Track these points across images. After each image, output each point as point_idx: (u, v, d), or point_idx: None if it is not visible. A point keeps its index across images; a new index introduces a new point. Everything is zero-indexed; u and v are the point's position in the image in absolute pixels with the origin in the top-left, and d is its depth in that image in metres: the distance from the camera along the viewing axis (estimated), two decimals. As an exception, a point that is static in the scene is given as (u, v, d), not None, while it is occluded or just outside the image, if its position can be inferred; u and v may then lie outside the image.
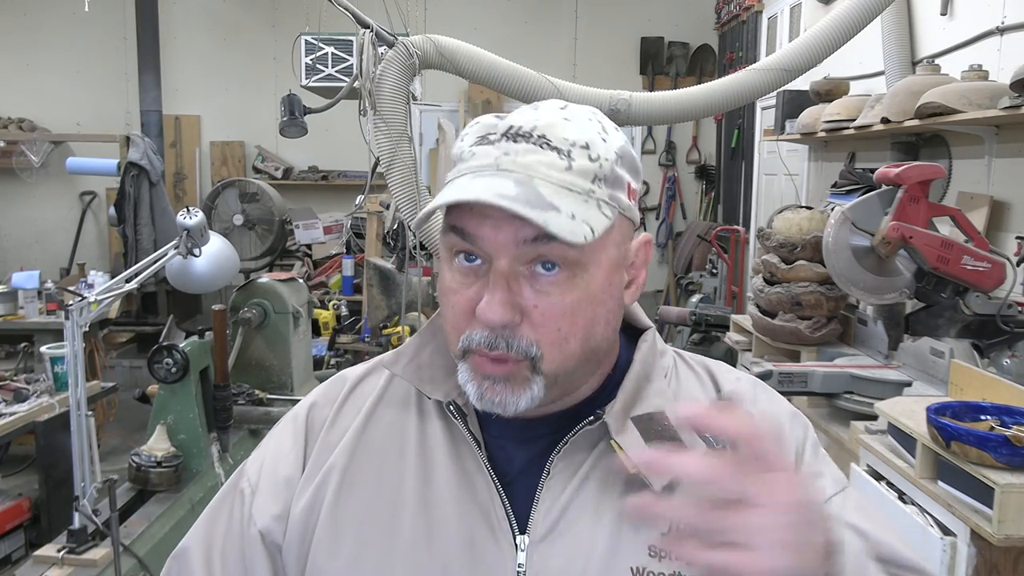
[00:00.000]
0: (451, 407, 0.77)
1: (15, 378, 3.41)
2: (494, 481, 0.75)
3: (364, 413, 0.82)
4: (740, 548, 0.55)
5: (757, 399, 0.82)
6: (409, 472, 0.77)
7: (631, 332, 0.83)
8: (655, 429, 0.74)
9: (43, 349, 3.53)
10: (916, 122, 2.82)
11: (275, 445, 0.84)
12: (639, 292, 0.78)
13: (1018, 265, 2.50)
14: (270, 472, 0.82)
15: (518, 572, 0.72)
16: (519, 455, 0.77)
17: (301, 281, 3.84)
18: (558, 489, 0.74)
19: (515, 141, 0.69)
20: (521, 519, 0.74)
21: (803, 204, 3.69)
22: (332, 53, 3.32)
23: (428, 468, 0.77)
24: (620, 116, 3.09)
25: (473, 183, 0.68)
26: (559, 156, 0.68)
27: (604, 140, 0.71)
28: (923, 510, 1.87)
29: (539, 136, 0.69)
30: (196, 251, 2.78)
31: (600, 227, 0.68)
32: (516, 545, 0.73)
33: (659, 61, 7.13)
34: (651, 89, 6.87)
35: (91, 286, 4.60)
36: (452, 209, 0.70)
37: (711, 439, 0.75)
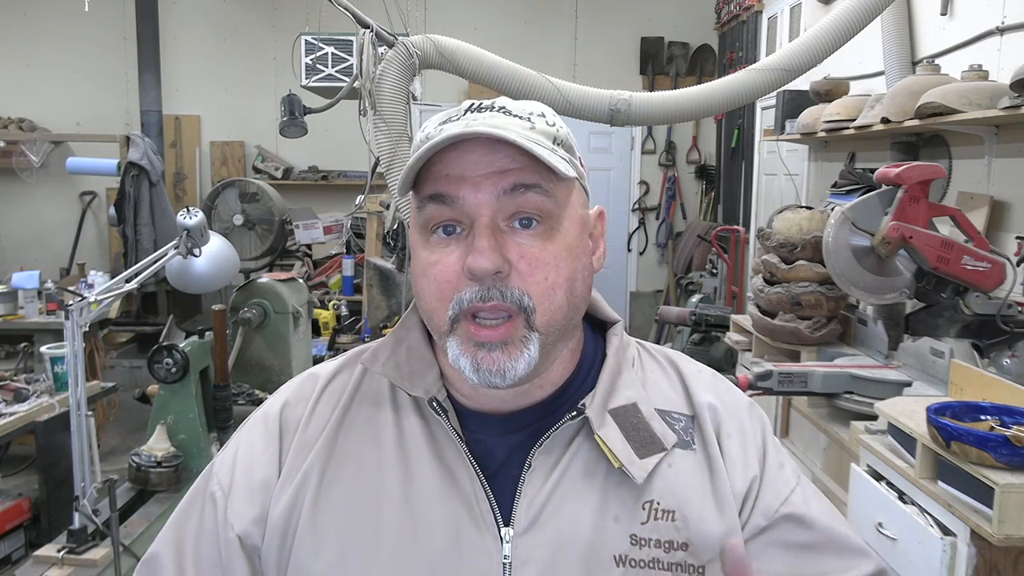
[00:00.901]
0: (433, 404, 0.77)
1: (15, 378, 3.41)
2: (478, 474, 0.75)
3: (339, 411, 0.81)
4: None
5: (719, 390, 0.84)
6: (389, 469, 0.77)
7: (595, 323, 0.86)
8: (631, 422, 0.77)
9: (43, 349, 3.53)
10: (916, 122, 2.82)
11: (246, 447, 0.83)
12: (603, 260, 0.81)
13: (1018, 265, 2.50)
14: (244, 475, 0.81)
15: (504, 564, 0.73)
16: (499, 449, 0.77)
17: (301, 281, 3.84)
18: (539, 481, 0.75)
19: (479, 112, 0.74)
20: (505, 512, 0.75)
21: (803, 204, 3.69)
22: (332, 53, 3.33)
23: (408, 464, 0.77)
24: (620, 116, 3.09)
25: (452, 135, 0.71)
26: (521, 120, 0.74)
27: (555, 116, 0.77)
28: (923, 510, 1.87)
29: (500, 107, 0.75)
30: (196, 251, 2.79)
31: (572, 172, 0.73)
32: (501, 537, 0.74)
33: (659, 61, 7.13)
34: (651, 89, 6.86)
35: (91, 286, 4.61)
36: (426, 182, 0.73)
37: (681, 431, 0.79)
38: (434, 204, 0.72)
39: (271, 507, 0.78)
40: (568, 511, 0.74)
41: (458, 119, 0.74)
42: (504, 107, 0.74)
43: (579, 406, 0.76)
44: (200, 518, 0.81)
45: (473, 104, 0.75)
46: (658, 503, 0.75)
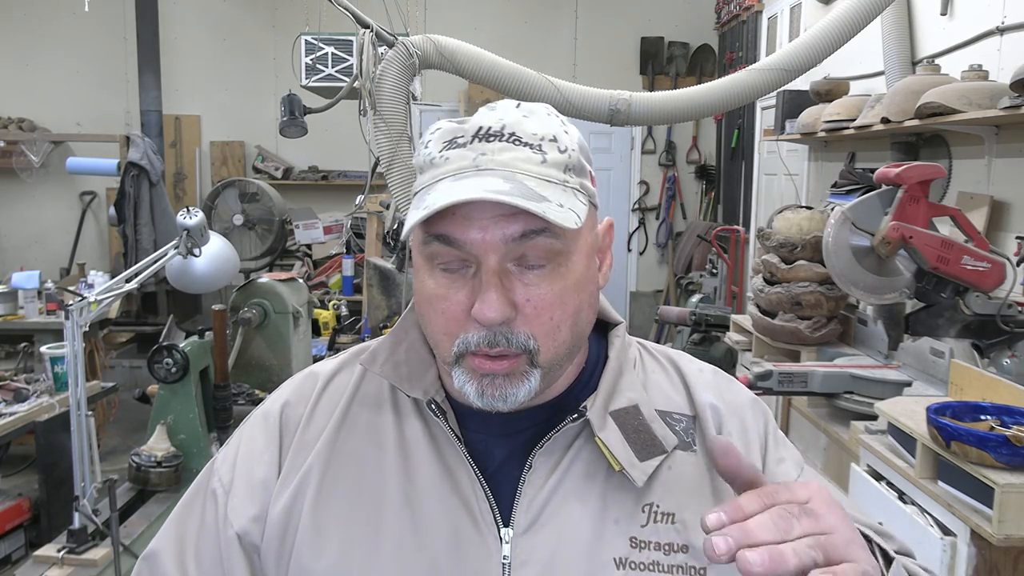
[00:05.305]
0: (431, 405, 0.78)
1: (15, 378, 3.41)
2: (477, 475, 0.76)
3: (339, 412, 0.82)
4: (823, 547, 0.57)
5: (720, 388, 0.84)
6: (390, 470, 0.78)
7: (598, 324, 0.85)
8: (632, 424, 0.77)
9: (43, 349, 3.53)
10: (916, 122, 2.82)
11: (247, 445, 0.84)
12: (609, 273, 0.81)
13: (1018, 265, 2.50)
14: (244, 473, 0.82)
15: (503, 564, 0.74)
16: (500, 450, 0.78)
17: (301, 281, 3.84)
18: (539, 482, 0.76)
19: (488, 141, 0.71)
20: (505, 512, 0.76)
21: (803, 204, 3.69)
22: (332, 53, 3.33)
23: (409, 465, 0.78)
24: (620, 116, 3.09)
25: (457, 185, 0.68)
26: (532, 151, 0.71)
27: (566, 132, 0.73)
28: (923, 510, 1.87)
29: (509, 134, 0.71)
30: (196, 251, 2.79)
31: (583, 213, 0.71)
32: (500, 537, 0.75)
33: (659, 61, 7.13)
34: (651, 89, 6.86)
35: (91, 286, 4.60)
36: (432, 217, 0.70)
37: (682, 432, 0.79)
38: (440, 243, 0.71)
39: (270, 505, 0.79)
40: (568, 512, 0.75)
41: (465, 144, 0.71)
42: (514, 133, 0.71)
43: (580, 408, 0.77)
44: (202, 514, 0.82)
45: (481, 128, 0.71)
46: (658, 506, 0.76)
